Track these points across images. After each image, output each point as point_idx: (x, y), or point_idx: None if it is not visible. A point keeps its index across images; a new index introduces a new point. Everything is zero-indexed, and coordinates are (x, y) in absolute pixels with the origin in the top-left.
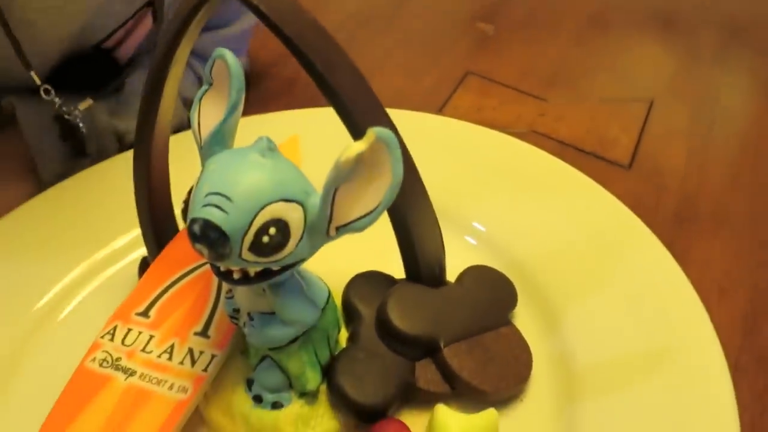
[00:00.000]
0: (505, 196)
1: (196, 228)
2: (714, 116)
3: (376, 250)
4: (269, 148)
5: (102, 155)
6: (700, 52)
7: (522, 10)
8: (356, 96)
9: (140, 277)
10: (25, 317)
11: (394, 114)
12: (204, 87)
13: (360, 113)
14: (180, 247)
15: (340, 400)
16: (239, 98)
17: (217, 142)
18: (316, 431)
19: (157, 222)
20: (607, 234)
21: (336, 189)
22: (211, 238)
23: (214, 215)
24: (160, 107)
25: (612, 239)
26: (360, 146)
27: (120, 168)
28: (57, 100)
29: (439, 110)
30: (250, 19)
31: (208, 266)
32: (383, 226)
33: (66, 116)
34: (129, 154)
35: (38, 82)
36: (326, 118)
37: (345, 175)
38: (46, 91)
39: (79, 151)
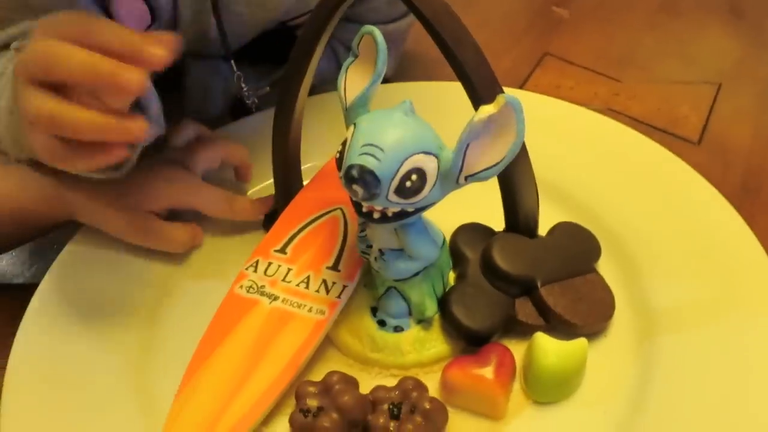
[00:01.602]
0: (587, 163)
1: (354, 172)
2: None
3: (472, 207)
4: (411, 109)
5: None
6: (766, 37)
7: None
8: (478, 68)
9: (265, 222)
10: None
11: None
12: (350, 58)
13: (480, 82)
14: (307, 197)
15: (453, 327)
16: (383, 69)
17: (361, 105)
18: (431, 352)
19: (288, 175)
20: (680, 197)
21: (468, 144)
22: (366, 180)
23: (370, 162)
24: (305, 76)
25: (685, 201)
26: (491, 109)
27: (248, 128)
28: (244, 86)
29: (520, 88)
30: (409, 19)
31: (333, 213)
32: (479, 188)
33: (246, 101)
34: (258, 116)
35: (235, 70)
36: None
37: (476, 133)
38: (239, 78)
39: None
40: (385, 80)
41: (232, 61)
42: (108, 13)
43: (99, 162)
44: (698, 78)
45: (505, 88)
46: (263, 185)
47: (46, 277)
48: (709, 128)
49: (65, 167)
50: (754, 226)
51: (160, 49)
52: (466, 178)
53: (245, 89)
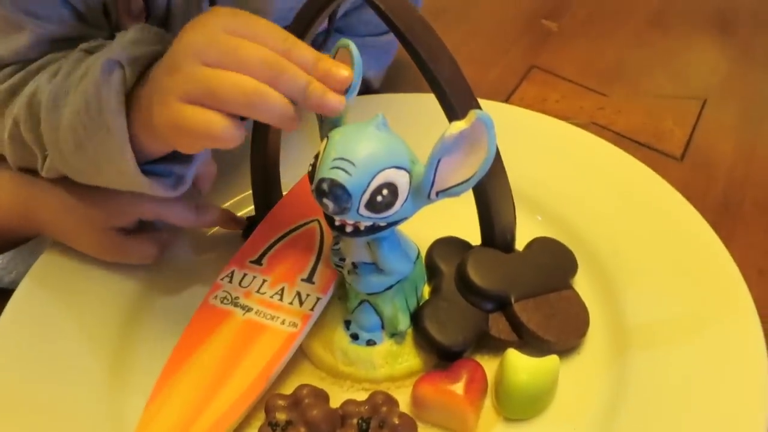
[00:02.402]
0: (568, 178)
1: (325, 186)
2: (763, 115)
3: (452, 220)
4: (384, 123)
5: None
6: (754, 54)
7: (584, 9)
8: (453, 83)
9: (244, 232)
10: (147, 266)
11: None
12: None
13: (455, 97)
14: (285, 208)
15: (426, 341)
16: (359, 83)
17: (336, 118)
18: (403, 366)
19: (267, 185)
20: (658, 215)
21: (440, 159)
22: (336, 194)
23: (340, 176)
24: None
25: (663, 220)
26: (462, 124)
27: None
28: None
29: (506, 100)
30: None
31: (310, 225)
32: (458, 201)
33: None
34: None
35: None
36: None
37: (448, 148)
38: None
39: None
40: (374, 90)
41: None
42: (105, 6)
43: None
44: (684, 93)
45: (489, 101)
46: (242, 196)
47: (22, 284)
48: (692, 143)
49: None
50: (735, 241)
51: (346, 71)
52: (437, 194)
53: None
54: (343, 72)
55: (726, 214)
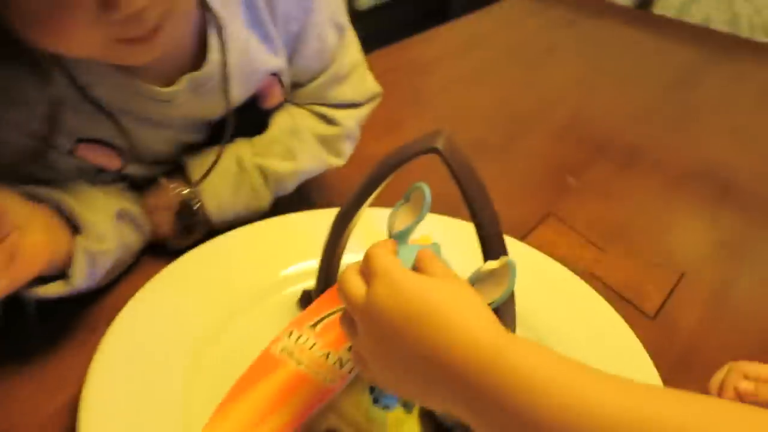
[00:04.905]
0: (554, 315)
1: None
2: (730, 296)
3: None
4: (437, 251)
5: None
6: (738, 229)
7: (606, 171)
8: (491, 228)
9: (301, 303)
10: (214, 319)
11: None
12: (402, 201)
13: (491, 240)
14: None
15: (425, 415)
16: (425, 215)
17: (403, 236)
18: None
19: (330, 269)
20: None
21: (473, 284)
22: None
23: None
24: (366, 200)
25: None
26: (495, 264)
27: (291, 224)
28: (184, 192)
29: (522, 239)
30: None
31: None
32: None
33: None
34: (293, 217)
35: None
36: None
37: (480, 279)
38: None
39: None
40: None
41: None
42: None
43: None
44: (666, 263)
45: (509, 237)
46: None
47: (108, 334)
48: (666, 306)
49: None
50: None
51: None
52: None
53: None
54: None
55: (681, 371)
